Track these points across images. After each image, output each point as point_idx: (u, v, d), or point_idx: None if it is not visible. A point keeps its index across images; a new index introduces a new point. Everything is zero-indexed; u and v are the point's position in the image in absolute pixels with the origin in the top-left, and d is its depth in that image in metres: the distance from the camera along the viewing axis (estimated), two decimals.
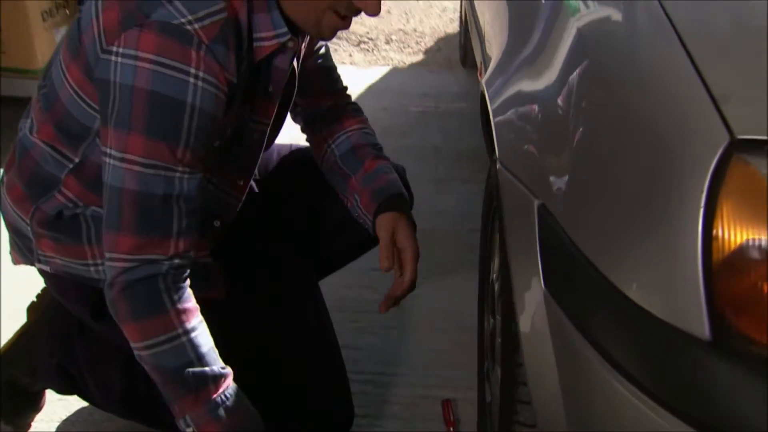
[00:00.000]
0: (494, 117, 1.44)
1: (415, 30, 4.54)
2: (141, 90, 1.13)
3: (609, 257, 0.90)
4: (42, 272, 1.41)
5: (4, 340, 1.56)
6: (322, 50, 1.52)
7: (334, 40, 1.74)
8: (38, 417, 1.62)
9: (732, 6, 1.01)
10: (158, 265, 1.19)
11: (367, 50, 4.22)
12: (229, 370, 1.25)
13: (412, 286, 1.43)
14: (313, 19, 1.24)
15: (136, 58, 1.12)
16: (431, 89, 3.64)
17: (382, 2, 1.23)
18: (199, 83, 1.14)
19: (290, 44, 1.27)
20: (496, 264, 1.45)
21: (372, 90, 3.62)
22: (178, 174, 1.18)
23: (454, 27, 4.47)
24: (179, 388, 1.21)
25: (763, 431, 0.75)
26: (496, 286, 1.41)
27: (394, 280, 1.45)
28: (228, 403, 1.23)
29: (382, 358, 1.90)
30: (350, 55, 4.13)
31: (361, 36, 4.36)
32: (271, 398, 1.42)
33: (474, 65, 2.88)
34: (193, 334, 1.21)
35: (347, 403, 1.53)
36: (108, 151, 1.17)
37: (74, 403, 1.66)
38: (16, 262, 1.47)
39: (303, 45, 1.40)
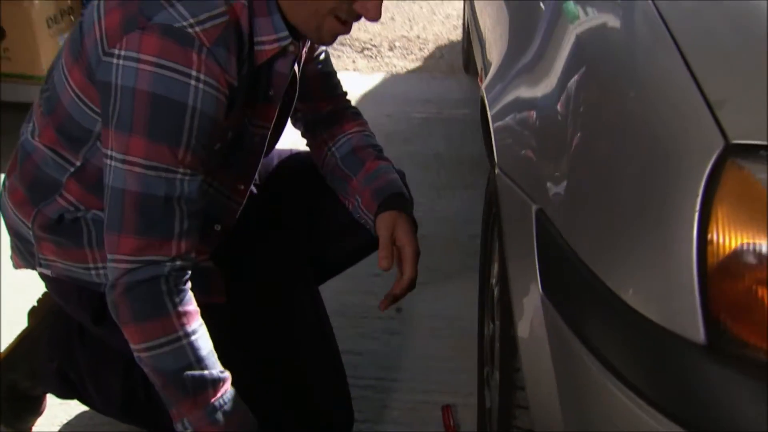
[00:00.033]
0: (493, 123, 1.44)
1: (418, 37, 4.55)
2: (142, 92, 1.13)
3: (606, 262, 0.90)
4: (43, 276, 1.42)
5: (5, 345, 1.56)
6: (323, 56, 1.53)
7: (338, 46, 1.75)
8: (39, 421, 1.63)
9: (728, 12, 1.02)
10: (160, 266, 1.19)
11: (371, 57, 4.22)
12: (228, 374, 1.25)
13: (412, 285, 1.42)
14: (314, 23, 1.25)
15: (137, 60, 1.13)
16: (434, 96, 3.65)
17: (384, 8, 1.24)
18: (200, 85, 1.15)
19: (291, 48, 1.28)
20: (495, 269, 1.45)
21: (375, 96, 3.63)
22: (179, 176, 1.18)
23: (457, 34, 4.47)
24: (178, 391, 1.21)
25: None
26: (496, 291, 1.42)
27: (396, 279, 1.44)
28: (226, 407, 1.24)
29: (382, 364, 1.90)
30: (353, 62, 4.14)
31: (364, 43, 4.36)
32: (271, 402, 1.42)
33: (477, 72, 2.88)
34: (193, 337, 1.21)
35: (347, 407, 1.53)
36: (109, 153, 1.18)
37: (75, 407, 1.67)
38: (17, 266, 1.47)
39: (304, 50, 1.41)
